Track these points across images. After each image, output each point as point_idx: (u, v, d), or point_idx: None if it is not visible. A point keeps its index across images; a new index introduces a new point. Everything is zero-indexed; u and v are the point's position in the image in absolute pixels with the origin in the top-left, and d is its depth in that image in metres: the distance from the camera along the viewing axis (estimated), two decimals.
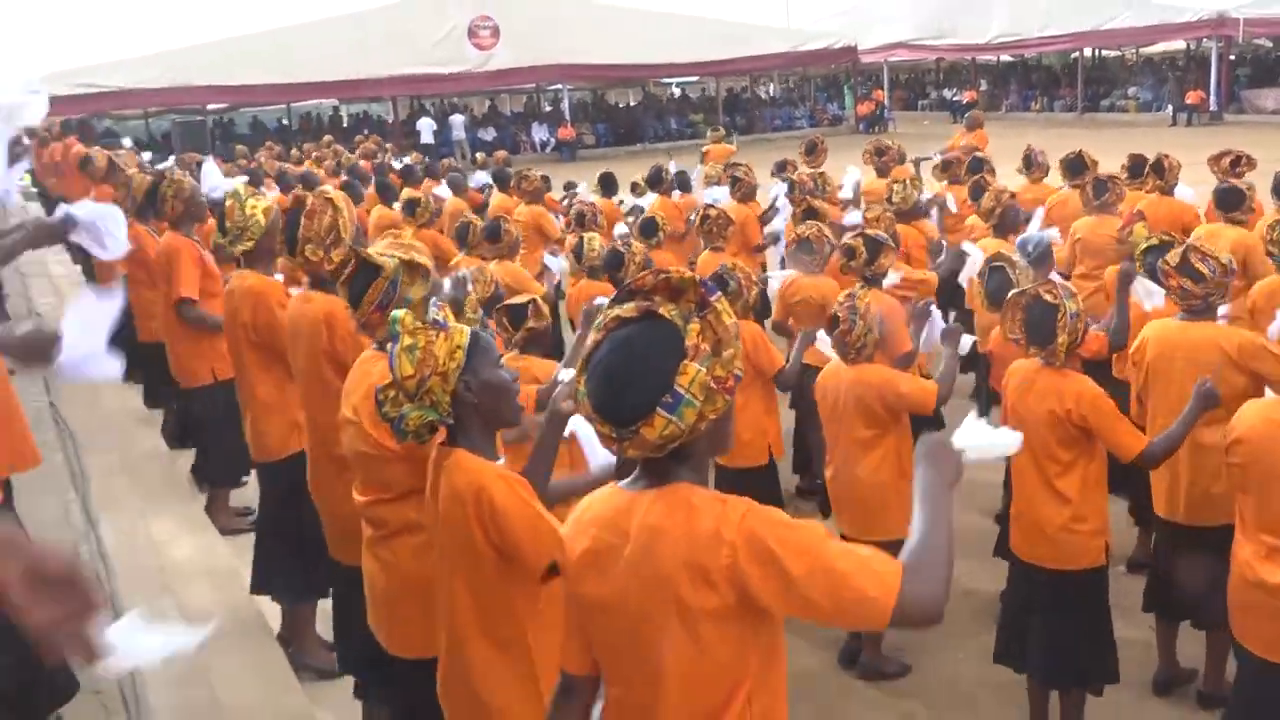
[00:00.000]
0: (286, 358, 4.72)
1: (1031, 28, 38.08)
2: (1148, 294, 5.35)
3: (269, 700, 4.21)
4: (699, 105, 42.84)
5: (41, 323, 3.31)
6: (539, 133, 37.35)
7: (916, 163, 11.73)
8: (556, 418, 3.14)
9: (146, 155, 18.17)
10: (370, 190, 11.77)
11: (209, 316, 6.00)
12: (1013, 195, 7.52)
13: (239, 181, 9.56)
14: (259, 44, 31.15)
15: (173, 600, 4.82)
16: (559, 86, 37.75)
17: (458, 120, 35.87)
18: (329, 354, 4.05)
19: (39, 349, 3.16)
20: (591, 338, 2.12)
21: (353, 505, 3.54)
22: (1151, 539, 5.50)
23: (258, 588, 5.10)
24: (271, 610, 5.07)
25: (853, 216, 8.93)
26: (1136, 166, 8.17)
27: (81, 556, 5.06)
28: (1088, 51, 41.47)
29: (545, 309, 4.95)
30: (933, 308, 5.52)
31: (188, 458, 6.79)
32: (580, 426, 3.33)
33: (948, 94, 44.68)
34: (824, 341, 5.22)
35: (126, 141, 20.83)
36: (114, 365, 3.29)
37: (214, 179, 9.85)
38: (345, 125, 37.69)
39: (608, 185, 11.66)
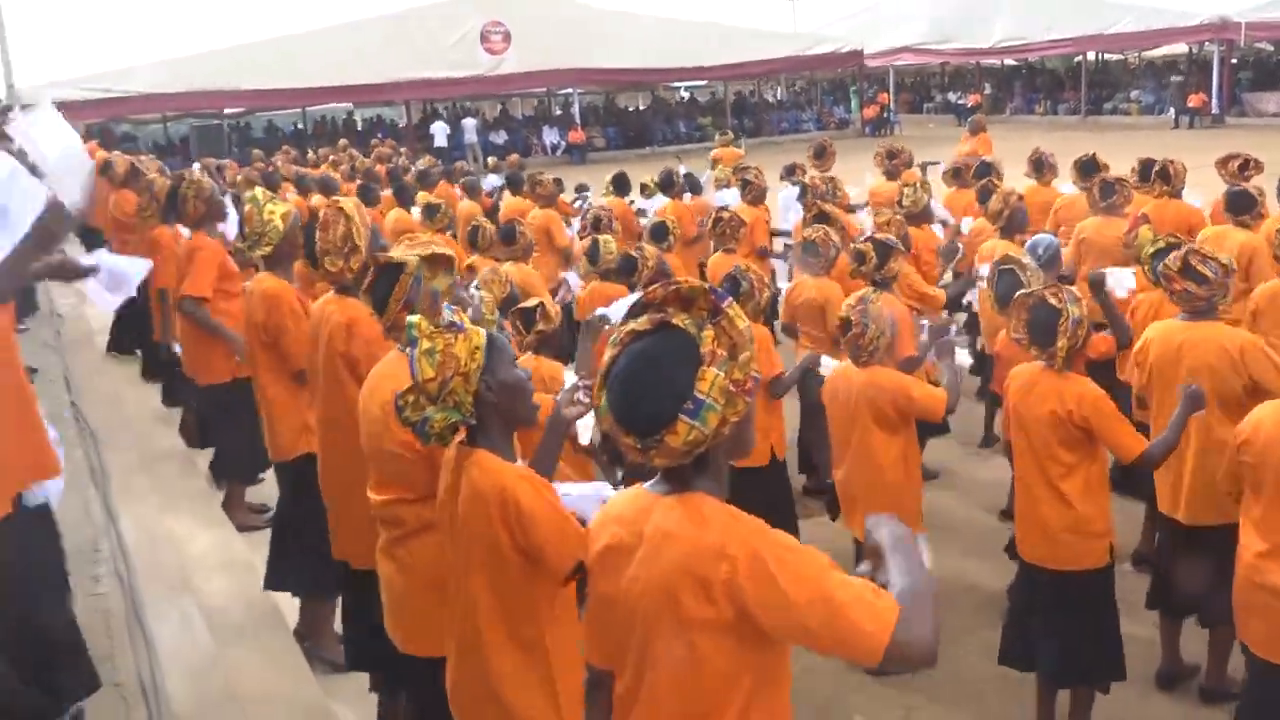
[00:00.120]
0: (293, 360, 4.74)
1: (1035, 32, 38.02)
2: (1119, 284, 5.36)
3: (285, 693, 4.22)
4: (707, 109, 42.81)
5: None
6: (550, 136, 37.35)
7: (923, 167, 11.70)
8: (559, 423, 3.13)
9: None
10: (387, 193, 11.79)
11: (208, 319, 6.02)
12: (1020, 197, 7.49)
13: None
14: (275, 49, 31.21)
15: (191, 595, 4.83)
16: (569, 90, 37.77)
17: (470, 124, 35.86)
18: (345, 357, 4.05)
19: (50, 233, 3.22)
20: (608, 353, 2.12)
21: (363, 508, 3.55)
22: (1154, 536, 5.49)
23: (271, 585, 5.11)
24: (288, 605, 5.08)
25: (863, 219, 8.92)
26: (1146, 170, 8.15)
27: (102, 552, 5.09)
28: (1091, 55, 41.35)
29: (554, 311, 4.96)
30: (952, 329, 5.55)
31: (206, 455, 6.81)
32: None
33: (952, 97, 44.59)
34: (827, 366, 5.21)
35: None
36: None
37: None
38: (359, 129, 37.73)
39: (620, 185, 11.68)
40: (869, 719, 4.72)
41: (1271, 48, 37.44)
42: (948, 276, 8.14)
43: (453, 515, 2.87)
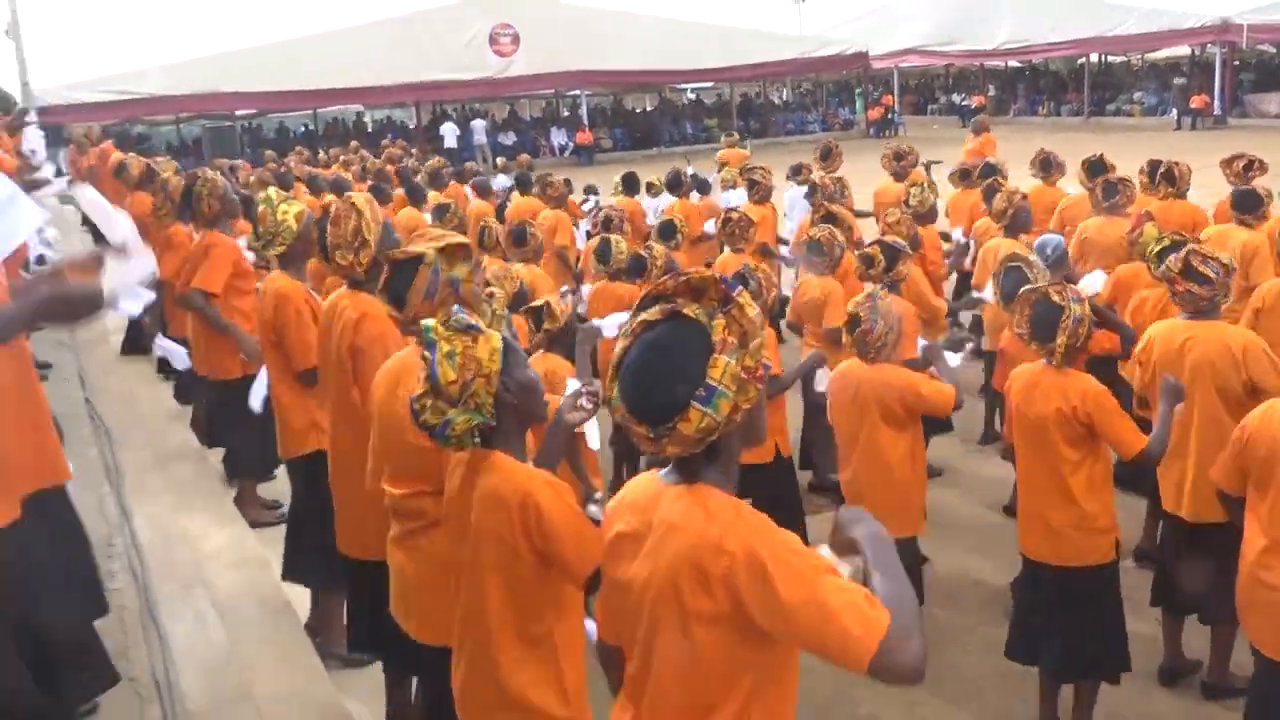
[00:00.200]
0: (295, 359, 4.75)
1: (1039, 34, 37.99)
2: (1087, 288, 5.42)
3: (297, 688, 4.22)
4: (714, 110, 42.79)
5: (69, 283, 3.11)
6: (558, 137, 37.37)
7: (927, 166, 11.69)
8: (562, 427, 3.10)
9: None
10: (399, 193, 11.82)
11: (218, 316, 6.03)
12: (1023, 197, 7.49)
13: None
14: (286, 52, 31.31)
15: (205, 591, 4.83)
16: (577, 92, 37.77)
17: (479, 125, 35.90)
18: (353, 350, 4.04)
19: (80, 305, 3.10)
20: (619, 344, 2.11)
21: (373, 502, 3.54)
22: (1157, 533, 5.48)
23: (287, 574, 5.13)
24: (301, 601, 5.08)
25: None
26: (1155, 172, 8.15)
27: (116, 548, 5.09)
28: (1094, 57, 41.30)
29: (560, 310, 4.97)
30: (968, 346, 5.56)
31: (219, 453, 6.81)
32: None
33: (956, 99, 44.52)
34: (822, 378, 5.19)
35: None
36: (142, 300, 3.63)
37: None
38: (369, 131, 37.78)
39: (630, 185, 11.73)
40: (873, 716, 4.70)
41: (1273, 49, 37.34)
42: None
43: (461, 514, 2.85)
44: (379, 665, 4.23)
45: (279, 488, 6.22)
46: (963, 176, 10.23)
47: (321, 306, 4.47)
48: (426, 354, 2.72)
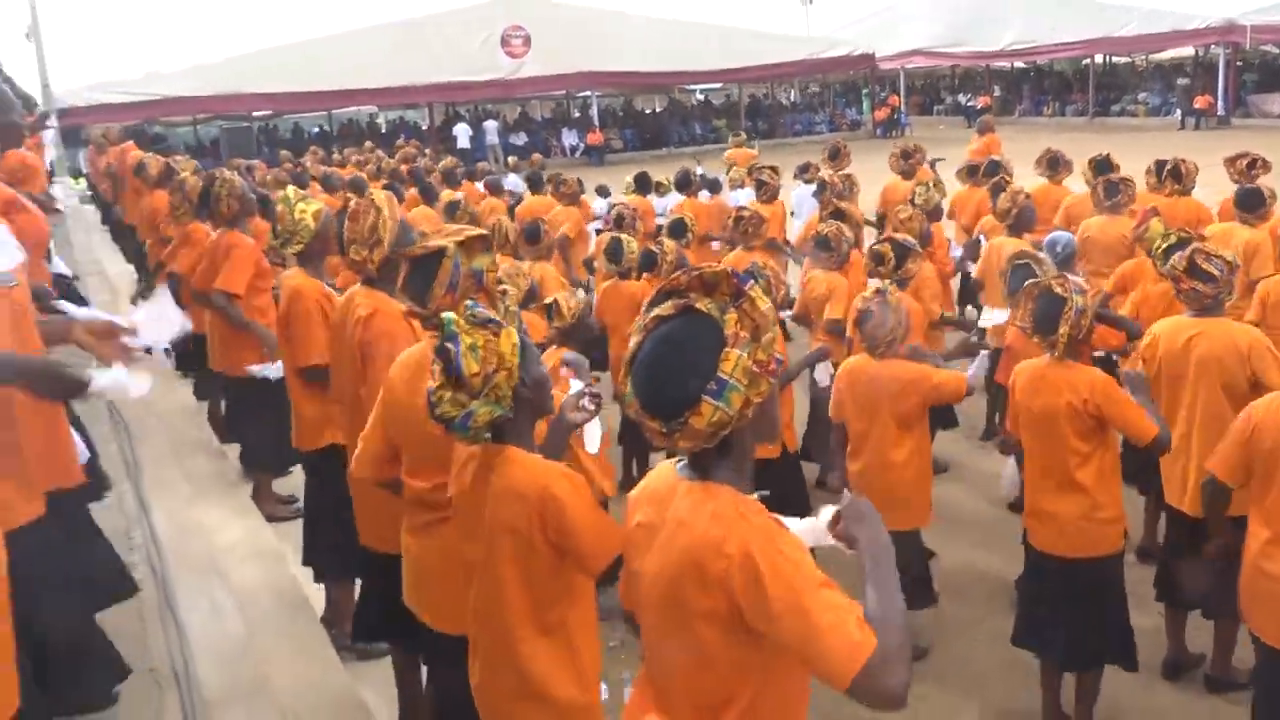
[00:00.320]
0: (300, 355, 4.76)
1: (1044, 35, 37.93)
2: (989, 321, 5.48)
3: (313, 678, 4.22)
4: (722, 110, 42.76)
5: (62, 363, 3.16)
6: (568, 138, 37.38)
7: (932, 164, 11.69)
8: (564, 427, 3.09)
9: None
10: (413, 191, 11.85)
11: (240, 315, 6.05)
12: (1027, 196, 7.50)
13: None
14: (302, 54, 31.40)
15: (222, 583, 4.84)
16: (588, 93, 37.79)
17: (491, 126, 35.92)
18: (363, 345, 4.04)
19: (62, 386, 3.08)
20: (633, 340, 2.11)
21: (389, 495, 3.54)
22: (1157, 530, 5.47)
23: (317, 577, 5.16)
24: (316, 593, 5.09)
25: None
26: (1161, 169, 8.15)
27: (135, 540, 5.10)
28: (1099, 58, 41.17)
29: (568, 307, 4.97)
30: (984, 353, 5.58)
31: (236, 447, 6.82)
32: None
33: (962, 99, 44.46)
34: (823, 371, 5.18)
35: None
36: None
37: None
38: (383, 131, 37.81)
39: (642, 184, 11.74)
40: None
41: (1277, 50, 37.22)
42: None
43: (473, 509, 2.84)
44: None
45: (295, 482, 6.23)
46: (970, 173, 10.23)
47: (338, 301, 4.47)
48: (449, 346, 2.70)
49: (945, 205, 9.36)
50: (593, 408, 3.06)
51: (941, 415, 6.57)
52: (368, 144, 23.79)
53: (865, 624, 1.91)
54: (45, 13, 26.04)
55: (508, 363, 2.71)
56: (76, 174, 23.70)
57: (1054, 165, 9.42)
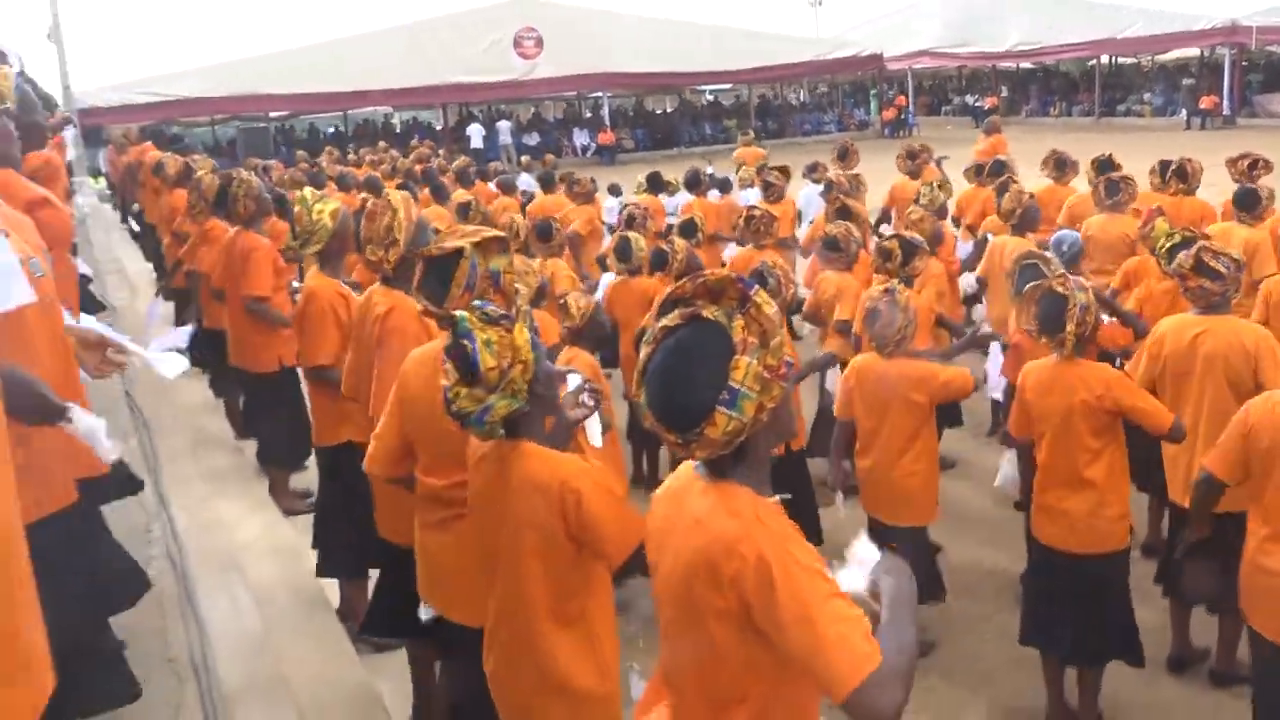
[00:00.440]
0: (307, 354, 4.78)
1: (1050, 36, 37.81)
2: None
3: (330, 673, 4.23)
4: (732, 111, 42.70)
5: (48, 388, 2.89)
6: (580, 138, 37.37)
7: (937, 162, 11.67)
8: (565, 426, 3.07)
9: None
10: (425, 192, 11.86)
11: (273, 312, 6.07)
12: (1031, 196, 7.48)
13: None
14: (318, 54, 31.46)
15: (240, 577, 4.86)
16: (599, 94, 37.76)
17: (504, 126, 35.96)
18: (380, 341, 4.05)
19: (40, 410, 2.84)
20: (644, 351, 2.09)
21: (406, 489, 3.54)
22: (1161, 524, 5.45)
23: (320, 571, 5.16)
24: (333, 587, 5.11)
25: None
26: (1166, 168, 8.14)
27: (154, 533, 5.11)
28: (1105, 59, 41.00)
29: (577, 307, 4.97)
30: (996, 346, 5.56)
31: (253, 443, 6.85)
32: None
33: (969, 100, 44.32)
34: (833, 379, 5.17)
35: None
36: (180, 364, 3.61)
37: None
38: (398, 131, 37.85)
39: (655, 183, 11.74)
40: None
41: None
42: (970, 278, 8.07)
43: (492, 505, 2.84)
44: None
45: (312, 477, 6.25)
46: (977, 173, 10.22)
47: (356, 303, 4.48)
48: (465, 342, 2.69)
49: (951, 205, 9.35)
50: (592, 403, 3.05)
51: (947, 413, 6.55)
52: (382, 144, 23.81)
53: (871, 638, 1.91)
54: (66, 14, 26.12)
55: (523, 356, 2.71)
56: (96, 173, 23.77)
57: (1060, 166, 9.38)
